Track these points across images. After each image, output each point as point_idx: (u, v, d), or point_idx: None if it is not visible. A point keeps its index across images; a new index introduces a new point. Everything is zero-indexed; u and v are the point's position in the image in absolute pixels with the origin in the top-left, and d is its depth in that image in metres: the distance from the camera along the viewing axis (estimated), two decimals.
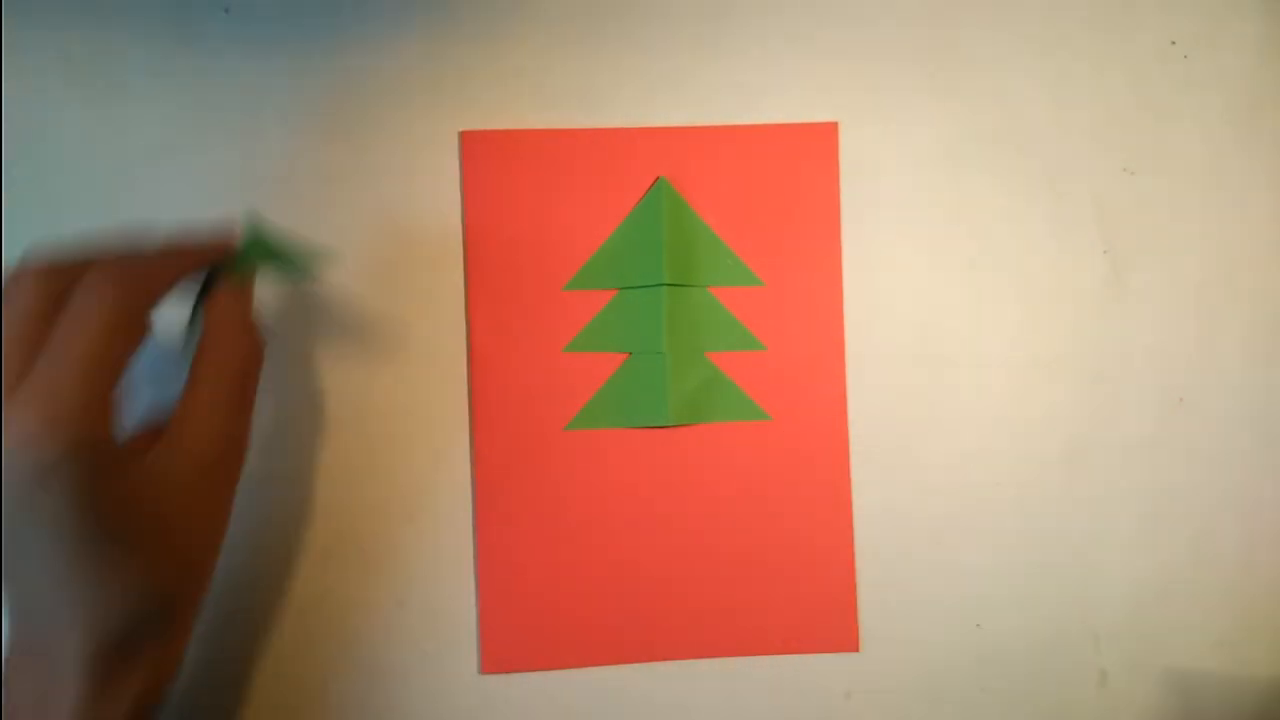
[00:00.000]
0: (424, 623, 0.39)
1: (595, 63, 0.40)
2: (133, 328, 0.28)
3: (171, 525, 0.30)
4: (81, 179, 0.39)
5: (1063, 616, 0.41)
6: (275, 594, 0.39)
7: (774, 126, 0.41)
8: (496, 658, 0.39)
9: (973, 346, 0.41)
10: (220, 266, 0.33)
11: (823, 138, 0.41)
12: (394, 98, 0.40)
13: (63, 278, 0.28)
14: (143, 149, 0.39)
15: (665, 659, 0.40)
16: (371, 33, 0.40)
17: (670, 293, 0.39)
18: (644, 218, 0.40)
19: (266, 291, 0.39)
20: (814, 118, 0.41)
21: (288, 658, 0.38)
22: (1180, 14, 0.42)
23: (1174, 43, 0.42)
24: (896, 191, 0.41)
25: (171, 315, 0.33)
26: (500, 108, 0.40)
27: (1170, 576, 0.41)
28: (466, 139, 0.40)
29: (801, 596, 0.40)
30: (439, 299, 0.40)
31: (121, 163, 0.39)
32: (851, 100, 0.41)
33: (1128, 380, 0.42)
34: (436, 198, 0.40)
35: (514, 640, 0.39)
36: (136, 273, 0.29)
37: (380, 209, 0.40)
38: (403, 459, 0.39)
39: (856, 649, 0.40)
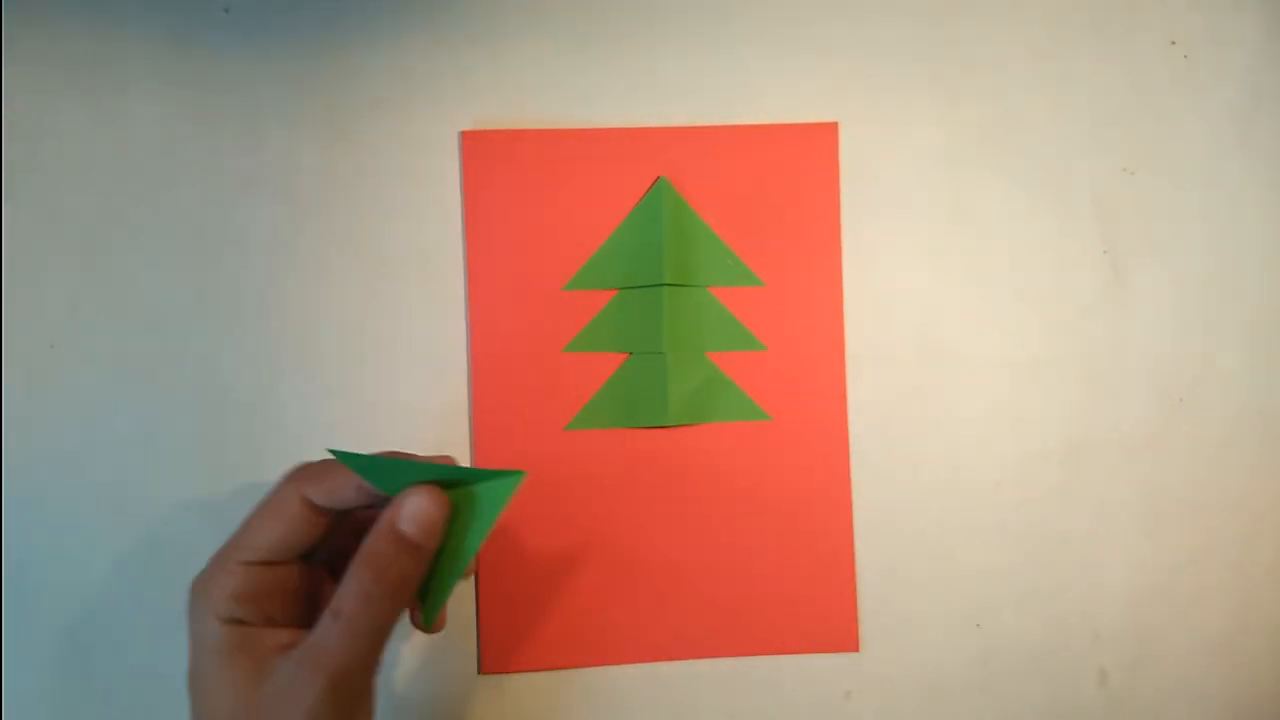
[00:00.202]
0: None
1: (595, 63, 0.40)
2: (282, 508, 0.31)
3: None
4: (81, 179, 0.39)
5: (1063, 616, 0.41)
6: None
7: (774, 126, 0.41)
8: (496, 658, 0.39)
9: (973, 346, 0.41)
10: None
11: (823, 138, 0.41)
12: (394, 98, 0.40)
13: None
14: (143, 149, 0.39)
15: (665, 659, 0.40)
16: (371, 33, 0.40)
17: (670, 293, 0.39)
18: (644, 218, 0.40)
19: (266, 289, 0.39)
20: (814, 118, 0.41)
21: None
22: (1180, 14, 0.42)
23: (1174, 43, 0.42)
24: (896, 191, 0.41)
25: None
26: (500, 108, 0.40)
27: (1170, 576, 0.41)
28: (466, 139, 0.40)
29: (801, 596, 0.40)
30: (439, 299, 0.40)
31: (121, 163, 0.39)
32: (851, 100, 0.41)
33: (1128, 380, 0.42)
34: (436, 198, 0.40)
35: (514, 640, 0.39)
36: (311, 467, 0.32)
37: (380, 209, 0.40)
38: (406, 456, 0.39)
39: (856, 649, 0.40)
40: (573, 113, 0.40)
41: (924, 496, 0.41)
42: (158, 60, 0.39)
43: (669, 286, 0.39)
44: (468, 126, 0.40)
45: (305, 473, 0.31)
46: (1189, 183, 0.42)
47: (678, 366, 0.39)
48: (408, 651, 0.39)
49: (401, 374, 0.39)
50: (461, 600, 0.39)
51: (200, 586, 0.30)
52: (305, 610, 0.32)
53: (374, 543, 0.29)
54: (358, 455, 0.30)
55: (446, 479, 0.30)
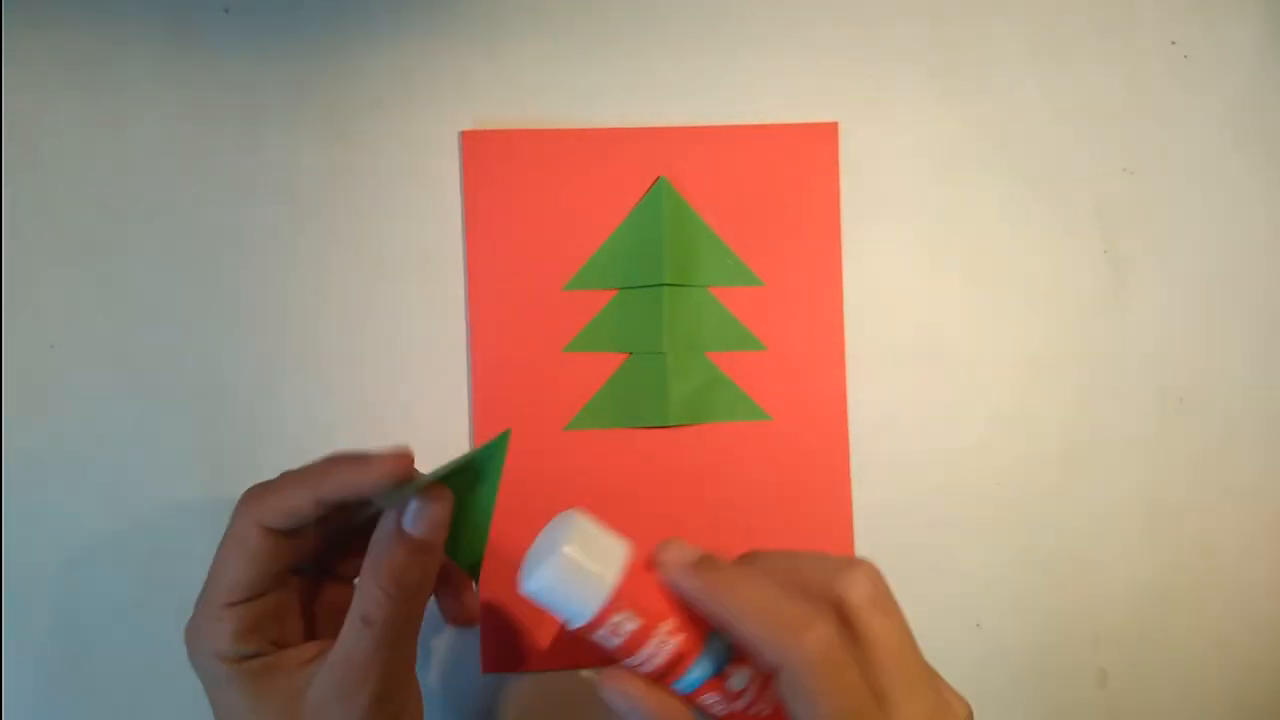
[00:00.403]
0: (425, 623, 0.39)
1: (595, 63, 0.40)
2: (243, 543, 0.29)
3: None
4: (81, 179, 0.39)
5: (1063, 616, 0.41)
6: None
7: (774, 126, 0.41)
8: (496, 658, 0.39)
9: (973, 346, 0.41)
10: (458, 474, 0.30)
11: (823, 138, 0.41)
12: (394, 98, 0.40)
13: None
14: (143, 149, 0.39)
15: None
16: (371, 33, 0.40)
17: (670, 293, 0.39)
18: (644, 218, 0.40)
19: (266, 289, 0.39)
20: (814, 118, 0.41)
21: None
22: (1180, 14, 0.42)
23: (1174, 43, 0.42)
24: (896, 191, 0.41)
25: None
26: (500, 108, 0.40)
27: (1170, 576, 0.41)
28: (466, 139, 0.40)
29: None
30: (439, 299, 0.40)
31: (121, 162, 0.39)
32: (851, 100, 0.41)
33: (1128, 380, 0.42)
34: (436, 198, 0.40)
35: (514, 640, 0.39)
36: (261, 490, 0.30)
37: (380, 209, 0.40)
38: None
39: None
40: (573, 113, 0.40)
41: (924, 496, 0.41)
42: (158, 60, 0.39)
43: (669, 286, 0.39)
44: (468, 126, 0.40)
45: (255, 497, 0.30)
46: (1189, 183, 0.42)
47: (678, 366, 0.39)
48: None
49: (401, 374, 0.39)
50: None
51: (194, 635, 0.30)
52: (313, 621, 0.32)
53: (385, 549, 0.29)
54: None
55: (438, 476, 0.30)
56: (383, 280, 0.39)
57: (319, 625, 0.32)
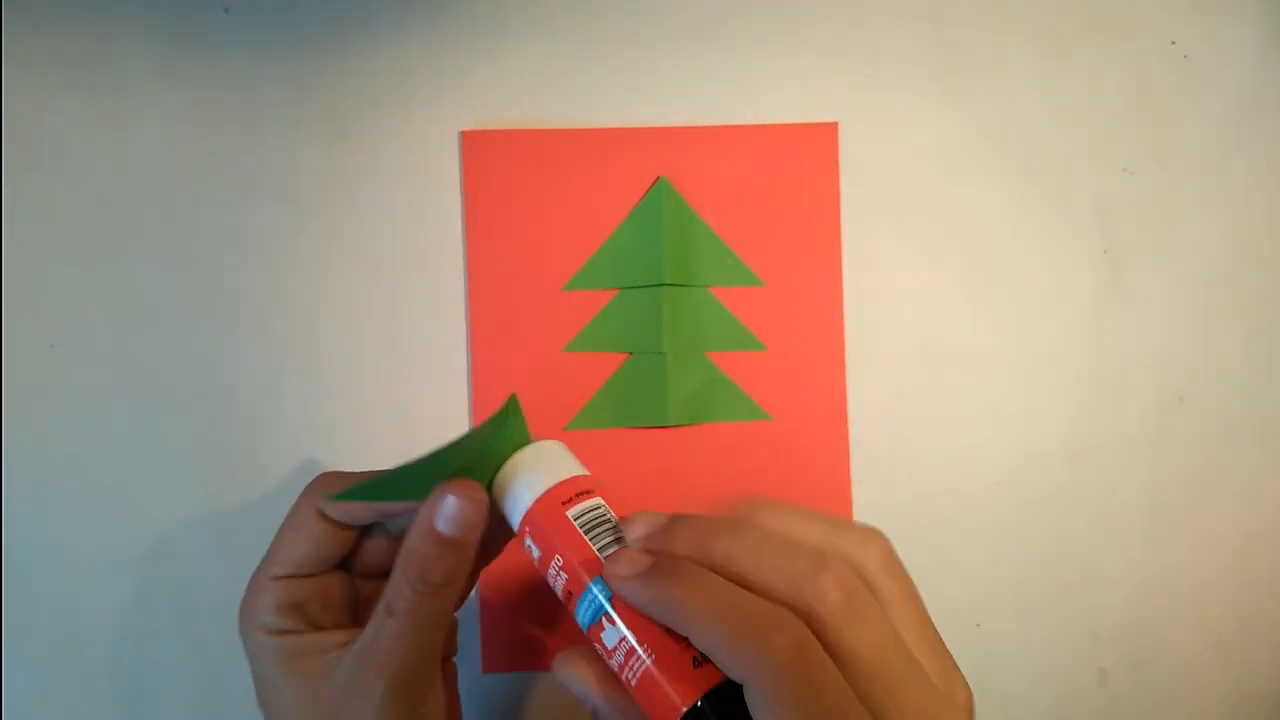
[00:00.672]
0: None
1: (595, 63, 0.40)
2: (301, 523, 0.31)
3: None
4: (81, 179, 0.39)
5: (1063, 616, 0.41)
6: None
7: (774, 126, 0.41)
8: (496, 658, 0.39)
9: (973, 346, 0.41)
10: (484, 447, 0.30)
11: (823, 138, 0.41)
12: (394, 98, 0.40)
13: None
14: (143, 149, 0.39)
15: None
16: (371, 33, 0.40)
17: (670, 293, 0.39)
18: (644, 218, 0.40)
19: (266, 289, 0.39)
20: (814, 118, 0.41)
21: None
22: (1180, 14, 0.42)
23: (1174, 43, 0.42)
24: (896, 191, 0.41)
25: None
26: (500, 108, 0.40)
27: (1170, 576, 0.41)
28: (466, 139, 0.40)
29: None
30: (439, 299, 0.40)
31: (121, 162, 0.39)
32: (851, 100, 0.41)
33: (1128, 380, 0.42)
34: (436, 198, 0.40)
35: (514, 640, 0.39)
36: (330, 478, 0.31)
37: (380, 209, 0.40)
38: (404, 459, 0.39)
39: None
40: (573, 113, 0.40)
41: (924, 496, 0.41)
42: (158, 60, 0.39)
43: (669, 286, 0.39)
44: (468, 126, 0.40)
45: (322, 483, 0.31)
46: (1189, 183, 0.42)
47: (678, 366, 0.39)
48: None
49: (401, 374, 0.39)
50: None
51: (244, 608, 0.31)
52: (353, 615, 0.32)
53: (414, 543, 0.29)
54: (367, 486, 0.29)
55: (463, 456, 0.30)
56: (383, 280, 0.39)
57: (362, 618, 0.32)
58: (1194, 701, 0.41)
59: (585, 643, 0.28)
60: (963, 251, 0.41)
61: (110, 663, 0.38)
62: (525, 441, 0.31)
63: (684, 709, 0.25)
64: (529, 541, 0.29)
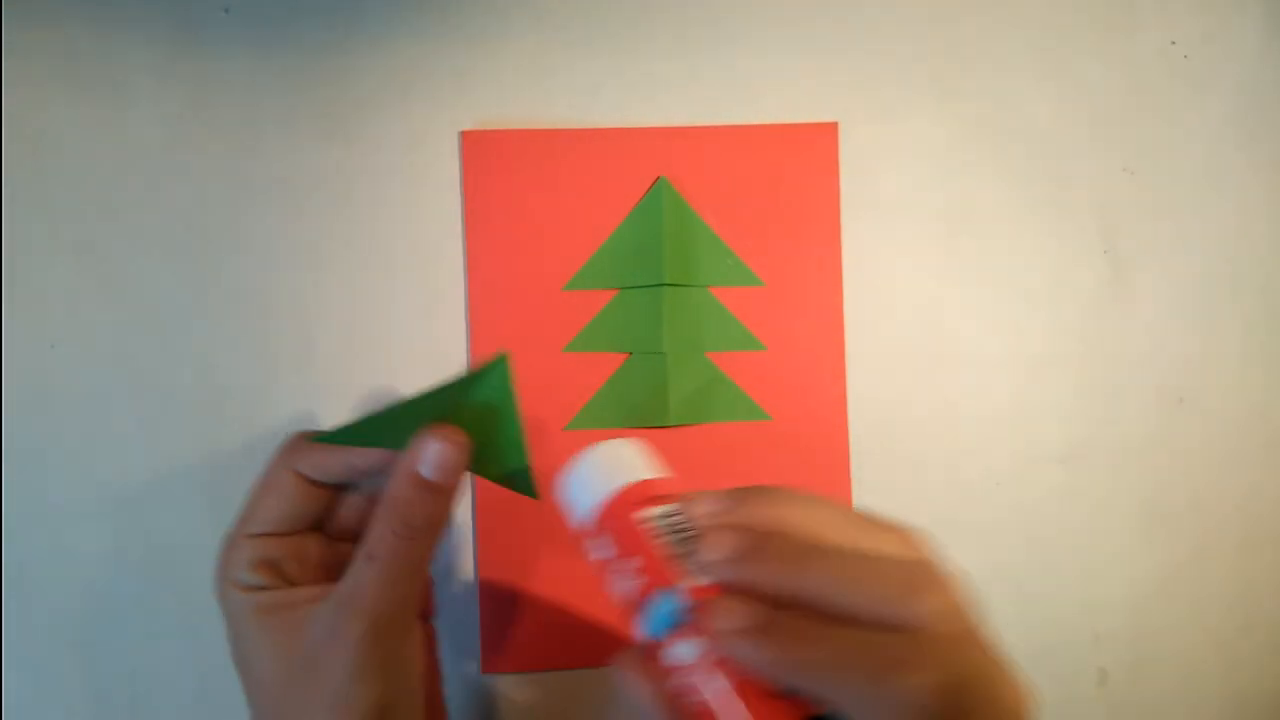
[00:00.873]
0: None
1: (595, 63, 0.40)
2: (274, 482, 0.31)
3: (335, 685, 0.29)
4: (81, 179, 0.39)
5: (1063, 616, 0.41)
6: None
7: (774, 126, 0.41)
8: (496, 658, 0.39)
9: (973, 346, 0.41)
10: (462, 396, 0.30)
11: (823, 138, 0.41)
12: (394, 98, 0.40)
13: None
14: (143, 149, 0.39)
15: None
16: (371, 33, 0.40)
17: (670, 293, 0.39)
18: (644, 218, 0.40)
19: (265, 289, 0.39)
20: (814, 118, 0.41)
21: None
22: (1180, 14, 0.42)
23: (1174, 43, 0.42)
24: (896, 191, 0.41)
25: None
26: (500, 108, 0.40)
27: (1170, 576, 0.41)
28: (466, 139, 0.40)
29: None
30: (439, 299, 0.40)
31: (121, 163, 0.39)
32: (851, 100, 0.41)
33: (1128, 380, 0.42)
34: (436, 197, 0.40)
35: (514, 641, 0.39)
36: (301, 437, 0.32)
37: (380, 209, 0.40)
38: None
39: None
40: (573, 113, 0.40)
41: (924, 496, 0.41)
42: (158, 60, 0.39)
43: (669, 286, 0.39)
44: (468, 126, 0.40)
45: (294, 445, 0.32)
46: (1189, 183, 0.42)
47: (678, 366, 0.39)
48: None
49: (401, 374, 0.39)
50: (462, 601, 0.39)
51: (219, 566, 0.31)
52: (329, 575, 0.32)
53: (397, 488, 0.30)
54: (344, 430, 0.30)
55: (443, 404, 0.30)
56: (383, 280, 0.39)
57: (334, 576, 0.32)
58: (1194, 702, 0.41)
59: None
60: (962, 251, 0.41)
61: (110, 662, 0.38)
62: (509, 399, 0.31)
63: None
64: (598, 538, 0.28)
